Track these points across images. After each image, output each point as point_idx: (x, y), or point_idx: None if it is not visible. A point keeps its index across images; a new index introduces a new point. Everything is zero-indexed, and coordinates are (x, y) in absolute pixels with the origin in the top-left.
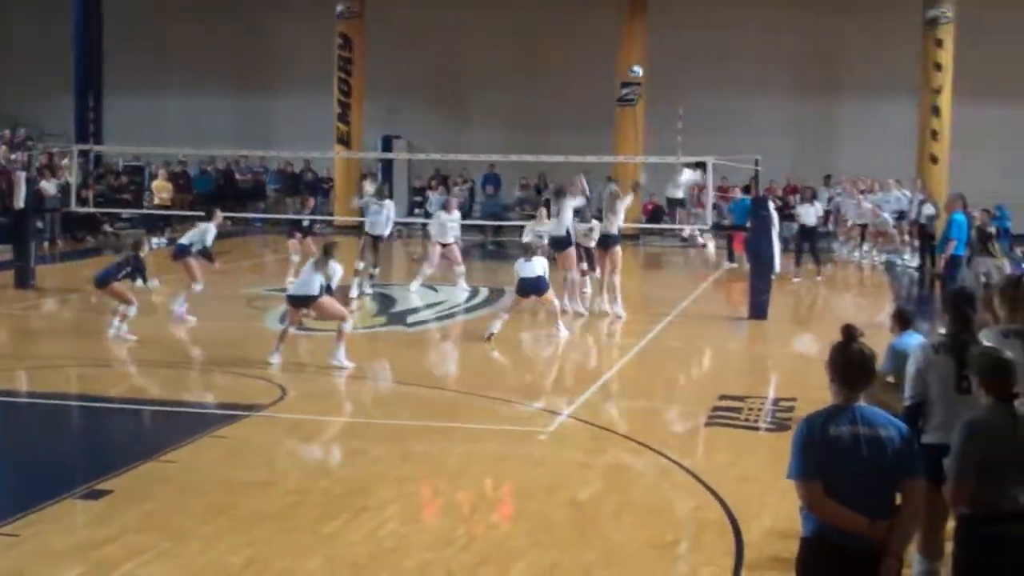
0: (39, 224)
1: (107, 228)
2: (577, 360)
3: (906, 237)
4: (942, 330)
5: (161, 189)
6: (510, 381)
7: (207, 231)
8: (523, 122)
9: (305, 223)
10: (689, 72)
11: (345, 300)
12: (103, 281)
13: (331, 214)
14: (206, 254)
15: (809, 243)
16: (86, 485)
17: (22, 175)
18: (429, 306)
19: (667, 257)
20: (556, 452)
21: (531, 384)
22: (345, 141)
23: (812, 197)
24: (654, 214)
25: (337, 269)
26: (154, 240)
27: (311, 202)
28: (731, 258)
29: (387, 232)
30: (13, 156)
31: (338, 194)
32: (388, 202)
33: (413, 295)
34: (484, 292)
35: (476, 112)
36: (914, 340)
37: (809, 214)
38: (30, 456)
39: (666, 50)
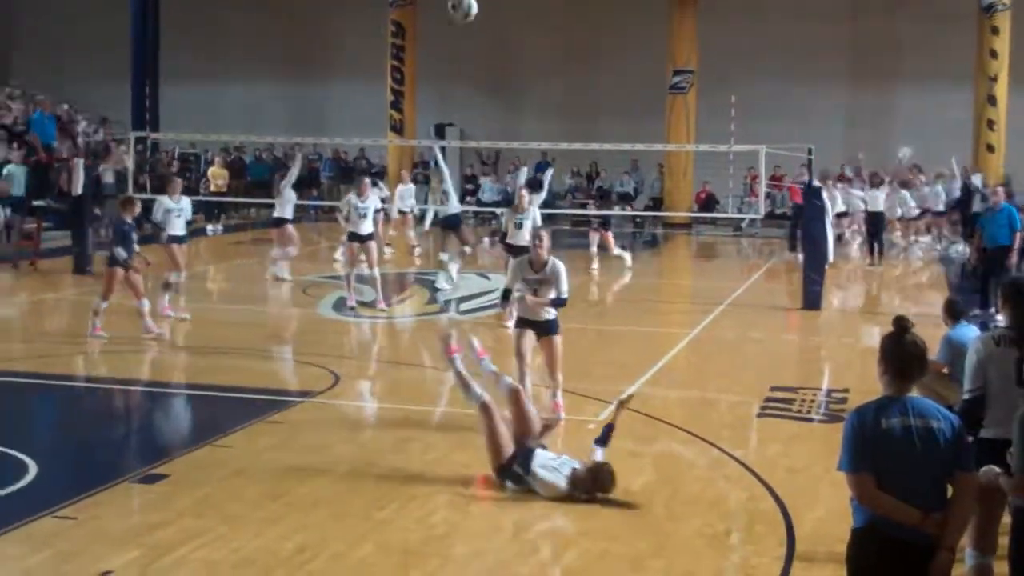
0: (96, 211)
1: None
2: (628, 348)
3: (958, 227)
4: (1001, 321)
5: (217, 176)
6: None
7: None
8: (574, 109)
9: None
10: (741, 60)
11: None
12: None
13: (383, 201)
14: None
15: (874, 230)
16: (143, 469)
17: (79, 162)
18: (482, 293)
19: (720, 246)
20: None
21: (582, 371)
22: (398, 129)
23: (880, 183)
24: (707, 203)
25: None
26: (209, 227)
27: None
28: (792, 247)
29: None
30: (77, 141)
31: (391, 181)
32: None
33: (469, 281)
34: None
35: (528, 99)
36: (971, 332)
37: (877, 200)
38: (88, 440)
39: (717, 37)
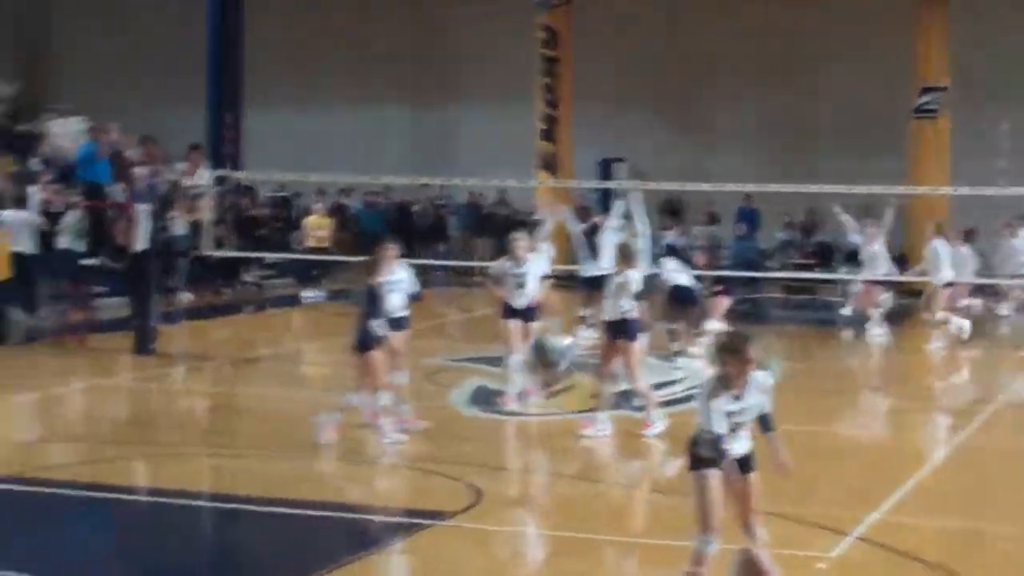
0: (164, 272)
1: (246, 277)
2: (864, 463)
3: None
4: None
5: (316, 227)
6: (776, 488)
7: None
8: (784, 141)
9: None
10: (1013, 72)
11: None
12: (364, 342)
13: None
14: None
15: None
16: None
17: (144, 208)
18: (662, 384)
19: (990, 321)
20: None
21: (805, 492)
22: (551, 166)
23: None
24: None
25: None
26: (307, 293)
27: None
28: None
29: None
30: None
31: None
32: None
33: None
34: None
35: (722, 127)
36: None
37: None
38: (148, 570)
39: (979, 43)
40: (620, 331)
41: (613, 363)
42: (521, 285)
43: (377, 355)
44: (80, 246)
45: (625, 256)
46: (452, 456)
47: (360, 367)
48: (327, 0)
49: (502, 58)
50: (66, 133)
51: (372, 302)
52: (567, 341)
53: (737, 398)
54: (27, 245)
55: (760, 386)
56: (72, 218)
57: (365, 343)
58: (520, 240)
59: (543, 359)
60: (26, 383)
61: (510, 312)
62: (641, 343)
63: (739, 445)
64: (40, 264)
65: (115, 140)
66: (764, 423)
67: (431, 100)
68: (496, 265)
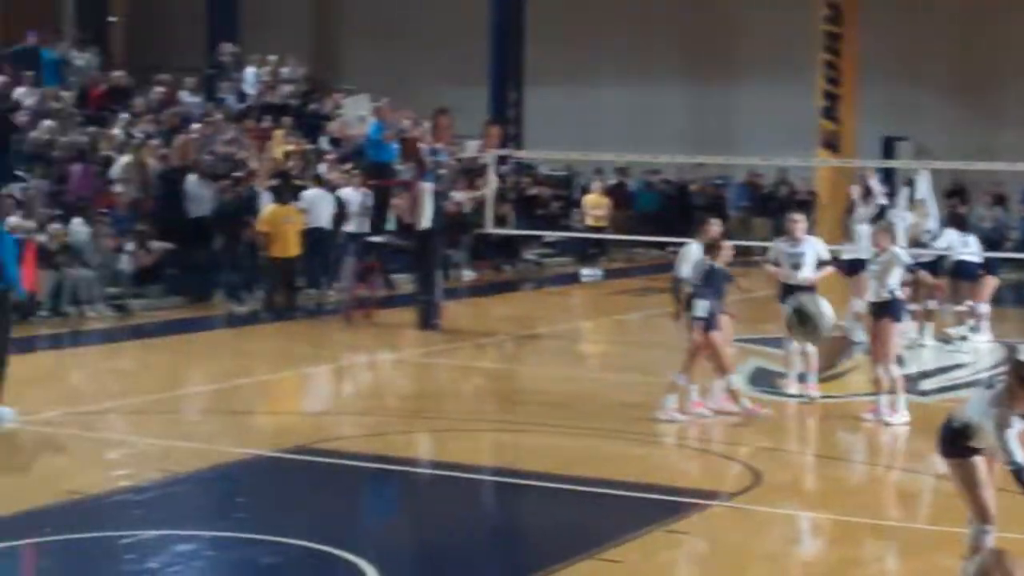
0: (448, 250)
1: (527, 255)
2: None
3: None
4: None
5: (595, 206)
6: None
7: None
8: None
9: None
10: None
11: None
12: (708, 320)
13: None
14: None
15: None
16: None
17: (428, 187)
18: (947, 368)
19: None
20: None
21: None
22: (833, 144)
23: None
24: None
25: None
26: (585, 271)
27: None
28: None
29: None
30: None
31: (821, 214)
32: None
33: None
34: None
35: (1012, 105)
36: None
37: None
38: (429, 541)
39: None
40: (884, 311)
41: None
42: (797, 266)
43: (717, 336)
44: (366, 224)
45: (889, 234)
46: (730, 437)
47: (700, 348)
48: None
49: (783, 33)
50: (355, 112)
51: (710, 282)
52: (827, 306)
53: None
54: (321, 222)
55: None
56: (359, 196)
57: (708, 323)
58: (798, 221)
59: (801, 320)
60: (315, 357)
61: (788, 293)
62: (902, 325)
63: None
64: (330, 241)
65: (400, 119)
66: None
67: (710, 77)
68: (773, 245)
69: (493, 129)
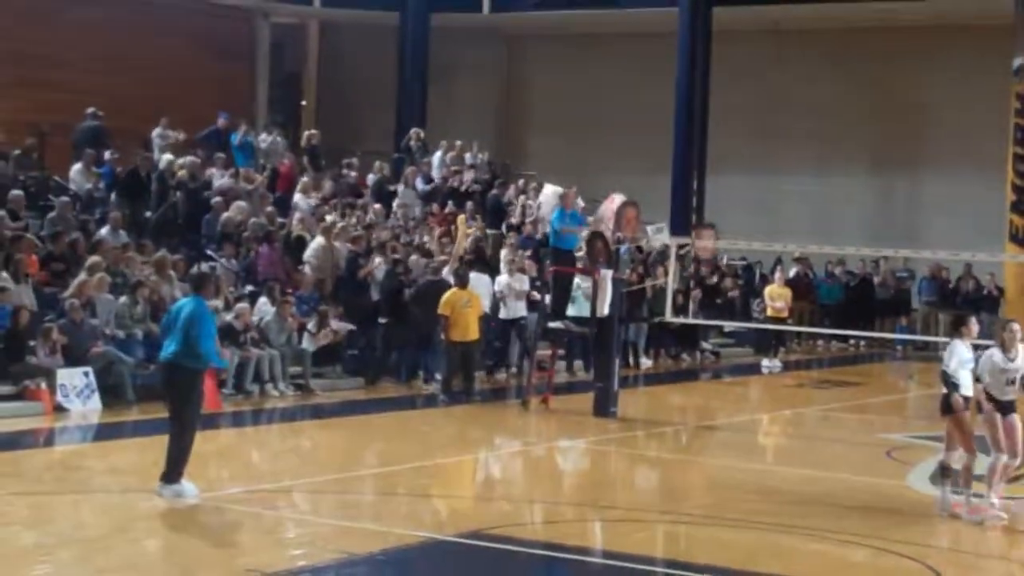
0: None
1: (705, 345)
2: None
3: None
4: None
5: (776, 296)
6: None
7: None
8: None
9: None
10: None
11: None
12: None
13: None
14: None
15: None
16: None
17: (608, 274)
18: None
19: None
20: None
21: None
22: (1021, 239)
23: None
24: None
25: None
26: (765, 362)
27: None
28: None
29: None
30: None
31: (1009, 309)
32: None
33: None
34: None
35: None
36: None
37: None
38: None
39: None
40: None
41: None
42: (1012, 382)
43: (963, 417)
44: (522, 309)
45: None
46: (909, 536)
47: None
48: (792, 62)
49: (970, 124)
50: (547, 198)
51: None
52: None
53: None
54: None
55: None
56: (516, 281)
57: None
58: (1017, 332)
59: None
60: (491, 441)
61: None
62: None
63: None
64: (505, 326)
65: (582, 206)
66: None
67: (895, 167)
68: (987, 358)
69: (630, 211)
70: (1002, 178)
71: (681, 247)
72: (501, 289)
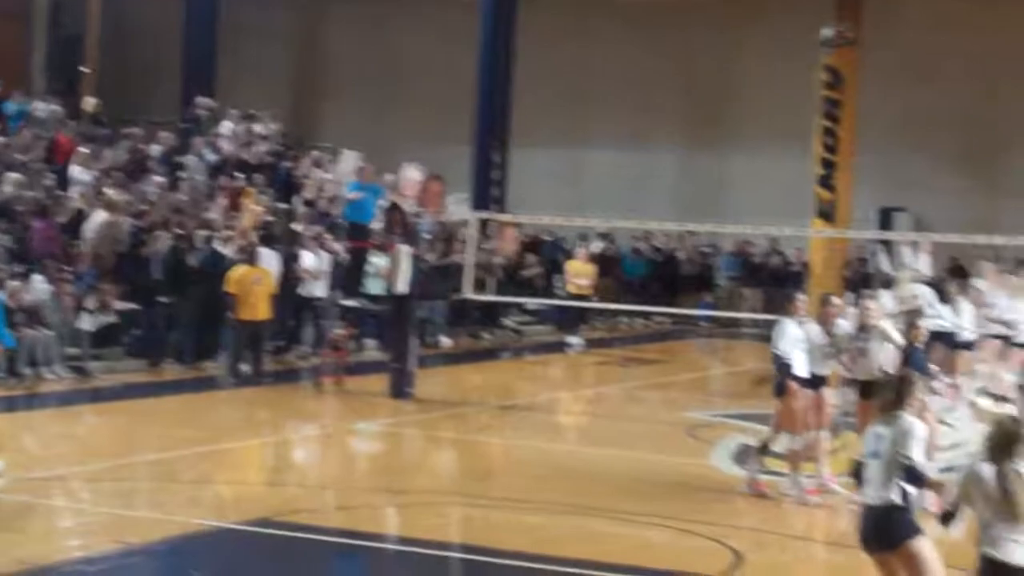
0: (423, 315)
1: (507, 322)
2: None
3: None
4: None
5: (578, 273)
6: None
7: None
8: None
9: None
10: None
11: None
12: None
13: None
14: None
15: None
16: None
17: (406, 249)
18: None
19: None
20: None
21: None
22: (828, 214)
23: None
24: None
25: None
26: (571, 340)
27: None
28: None
29: None
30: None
31: (815, 284)
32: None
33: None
34: None
35: (1015, 177)
36: None
37: None
38: None
39: None
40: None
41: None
42: (832, 356)
43: (796, 399)
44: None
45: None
46: (710, 516)
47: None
48: (599, 35)
49: (779, 98)
50: (341, 170)
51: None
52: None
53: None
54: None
55: None
56: (319, 259)
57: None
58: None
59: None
60: (281, 425)
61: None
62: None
63: None
64: (299, 305)
65: (384, 180)
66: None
67: (703, 141)
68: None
69: (433, 185)
70: (810, 152)
71: (484, 222)
72: (297, 266)
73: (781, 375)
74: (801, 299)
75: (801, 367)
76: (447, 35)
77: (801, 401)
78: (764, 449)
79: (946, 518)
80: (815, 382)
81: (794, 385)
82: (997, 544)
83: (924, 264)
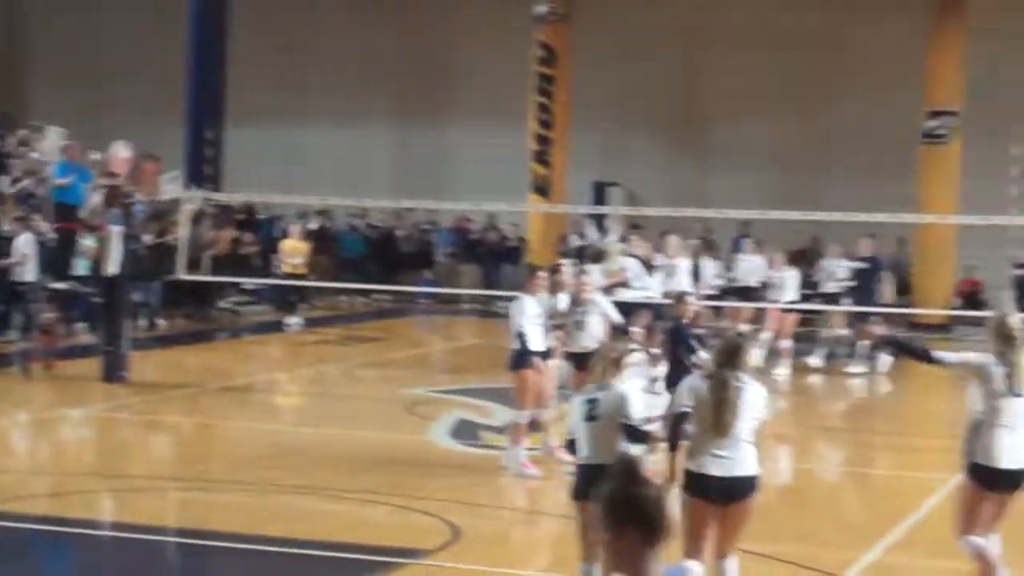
0: (137, 297)
1: (222, 303)
2: (859, 500)
3: None
4: None
5: (293, 252)
6: (770, 526)
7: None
8: (787, 166)
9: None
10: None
11: None
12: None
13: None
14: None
15: None
16: None
17: (117, 230)
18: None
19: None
20: None
21: (797, 532)
22: (543, 189)
23: None
24: (972, 296)
25: None
26: (289, 319)
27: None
28: None
29: None
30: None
31: (532, 259)
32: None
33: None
34: None
35: (721, 150)
36: None
37: None
38: None
39: (992, 67)
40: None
41: None
42: (547, 328)
43: (530, 373)
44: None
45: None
46: (429, 491)
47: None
48: (316, 10)
49: (498, 75)
50: (45, 148)
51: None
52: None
53: None
54: None
55: None
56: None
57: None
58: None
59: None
60: None
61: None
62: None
63: None
64: (7, 288)
65: (93, 159)
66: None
67: (419, 117)
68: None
69: (148, 165)
70: (526, 130)
71: (194, 201)
72: (17, 247)
73: (520, 350)
74: (542, 276)
75: (537, 342)
76: (158, 9)
77: (540, 376)
78: (534, 425)
79: (673, 443)
80: (543, 355)
81: (537, 360)
82: (697, 456)
83: (612, 238)
